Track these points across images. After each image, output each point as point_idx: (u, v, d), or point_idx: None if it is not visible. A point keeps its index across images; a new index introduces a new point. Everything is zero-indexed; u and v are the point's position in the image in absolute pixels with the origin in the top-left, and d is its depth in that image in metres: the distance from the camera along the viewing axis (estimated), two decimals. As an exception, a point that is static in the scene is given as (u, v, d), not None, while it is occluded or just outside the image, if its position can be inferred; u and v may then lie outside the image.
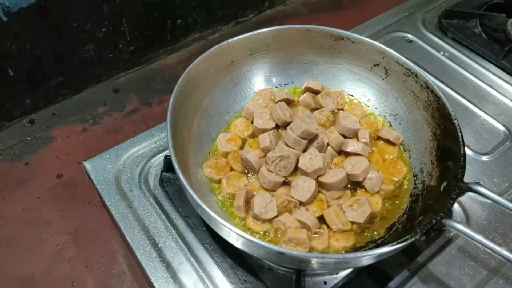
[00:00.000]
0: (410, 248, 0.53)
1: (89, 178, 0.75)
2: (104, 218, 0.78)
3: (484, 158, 0.82)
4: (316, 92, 0.78)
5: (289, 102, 0.77)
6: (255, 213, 0.62)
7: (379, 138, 0.74)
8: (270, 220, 0.63)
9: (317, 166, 0.64)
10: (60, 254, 0.74)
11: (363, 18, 1.10)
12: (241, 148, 0.72)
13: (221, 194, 0.67)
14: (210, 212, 0.52)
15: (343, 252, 0.61)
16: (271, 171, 0.66)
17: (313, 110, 0.77)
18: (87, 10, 0.87)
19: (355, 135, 0.72)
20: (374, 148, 0.73)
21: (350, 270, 0.65)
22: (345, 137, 0.71)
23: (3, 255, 0.74)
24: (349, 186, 0.68)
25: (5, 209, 0.80)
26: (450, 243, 0.70)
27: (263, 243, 0.50)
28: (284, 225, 0.61)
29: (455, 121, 0.62)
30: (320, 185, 0.66)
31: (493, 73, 0.97)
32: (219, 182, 0.68)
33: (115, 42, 0.97)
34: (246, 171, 0.69)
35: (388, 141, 0.72)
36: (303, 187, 0.64)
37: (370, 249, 0.60)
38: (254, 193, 0.66)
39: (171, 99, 0.64)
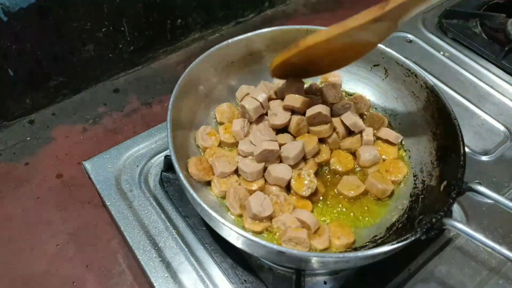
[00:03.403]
0: (410, 248, 0.53)
1: (89, 178, 0.75)
2: (104, 218, 0.78)
3: (484, 158, 0.82)
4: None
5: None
6: (253, 213, 0.61)
7: (378, 138, 0.74)
8: (269, 218, 0.62)
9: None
10: (60, 254, 0.74)
11: (363, 18, 1.10)
12: (219, 145, 0.70)
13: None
14: (210, 211, 0.52)
15: (343, 250, 0.61)
16: (248, 163, 0.65)
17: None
18: (87, 10, 0.87)
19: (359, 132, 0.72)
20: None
21: (350, 270, 0.65)
22: (349, 132, 0.71)
23: (3, 255, 0.74)
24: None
25: (5, 209, 0.80)
26: (450, 243, 0.70)
27: (263, 242, 0.51)
28: (284, 224, 0.61)
29: (455, 121, 0.62)
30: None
31: (493, 73, 0.97)
32: (209, 183, 0.66)
33: (115, 42, 0.97)
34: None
35: (387, 141, 0.72)
36: (292, 147, 0.65)
37: (370, 248, 0.60)
38: (245, 187, 0.65)
39: (171, 99, 0.64)
